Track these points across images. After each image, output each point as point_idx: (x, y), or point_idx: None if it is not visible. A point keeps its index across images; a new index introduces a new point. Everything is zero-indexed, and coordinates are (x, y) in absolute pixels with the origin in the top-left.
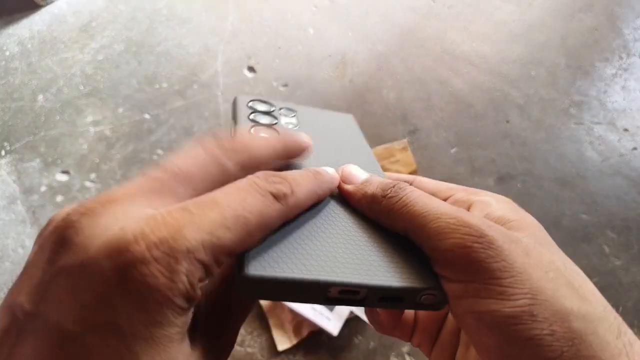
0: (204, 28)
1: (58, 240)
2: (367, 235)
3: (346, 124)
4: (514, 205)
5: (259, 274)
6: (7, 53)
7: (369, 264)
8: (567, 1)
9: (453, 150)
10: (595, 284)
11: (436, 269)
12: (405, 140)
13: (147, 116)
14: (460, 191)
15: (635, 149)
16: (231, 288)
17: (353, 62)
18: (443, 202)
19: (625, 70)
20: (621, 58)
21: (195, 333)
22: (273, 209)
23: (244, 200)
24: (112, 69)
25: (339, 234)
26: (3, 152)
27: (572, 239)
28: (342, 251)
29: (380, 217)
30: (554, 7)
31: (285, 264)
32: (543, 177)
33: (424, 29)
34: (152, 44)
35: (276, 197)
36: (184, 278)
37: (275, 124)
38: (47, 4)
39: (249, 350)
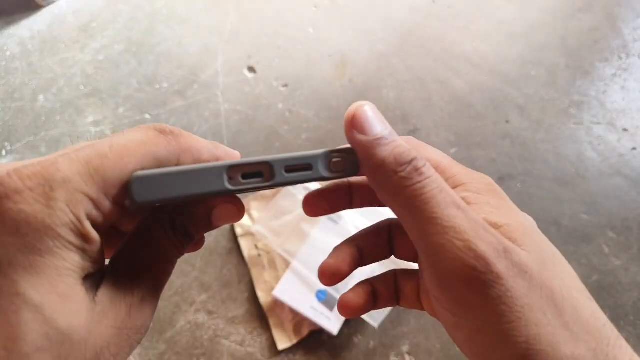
0: (204, 28)
1: None
2: None
3: None
4: (499, 198)
5: (149, 173)
6: (8, 53)
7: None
8: (567, 1)
9: (453, 150)
10: (595, 283)
11: (427, 282)
12: None
13: (147, 116)
14: (442, 169)
15: (634, 149)
16: (138, 242)
17: (353, 62)
18: (459, 206)
19: (625, 70)
20: (621, 58)
21: (100, 289)
22: (157, 140)
23: (122, 134)
24: (112, 69)
25: None
26: (4, 152)
27: (572, 238)
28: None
29: (381, 189)
30: (554, 7)
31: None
32: (543, 177)
33: (424, 29)
34: (152, 43)
35: (161, 131)
36: (64, 207)
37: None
38: (48, 4)
39: (249, 350)
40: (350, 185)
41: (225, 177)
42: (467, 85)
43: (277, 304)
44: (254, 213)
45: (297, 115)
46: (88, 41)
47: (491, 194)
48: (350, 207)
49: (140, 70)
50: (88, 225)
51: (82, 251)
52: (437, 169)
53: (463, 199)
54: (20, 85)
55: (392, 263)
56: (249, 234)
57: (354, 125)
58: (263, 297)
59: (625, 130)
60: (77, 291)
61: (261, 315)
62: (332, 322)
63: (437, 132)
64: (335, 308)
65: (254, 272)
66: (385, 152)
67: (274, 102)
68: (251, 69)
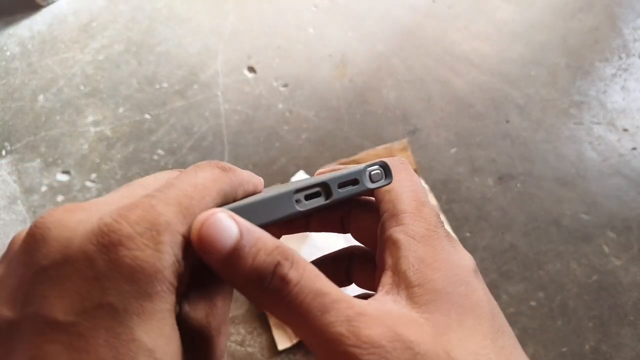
0: (204, 28)
1: (31, 243)
2: None
3: None
4: (431, 246)
5: (236, 207)
6: (8, 53)
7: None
8: (567, 1)
9: (453, 150)
10: (595, 283)
11: None
12: (405, 140)
13: (147, 116)
14: (395, 203)
15: (634, 149)
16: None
17: (353, 62)
18: (330, 307)
19: (625, 70)
20: (621, 58)
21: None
22: (224, 178)
23: (196, 174)
24: (112, 69)
25: None
26: (3, 152)
27: (572, 238)
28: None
29: (256, 303)
30: (554, 7)
31: (251, 201)
32: (543, 177)
33: (424, 29)
34: (152, 44)
35: (223, 169)
36: (169, 249)
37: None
38: (48, 4)
39: (249, 349)
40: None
41: (294, 201)
42: (467, 85)
43: None
44: None
45: (297, 115)
46: (88, 41)
47: (424, 240)
48: (308, 230)
49: (140, 70)
50: (183, 263)
51: (177, 291)
52: (392, 202)
53: (395, 242)
54: (20, 85)
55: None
56: None
57: (201, 247)
58: None
59: (625, 130)
60: (176, 332)
61: (261, 315)
62: None
63: (437, 132)
64: None
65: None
66: (244, 269)
67: (274, 102)
68: (251, 69)
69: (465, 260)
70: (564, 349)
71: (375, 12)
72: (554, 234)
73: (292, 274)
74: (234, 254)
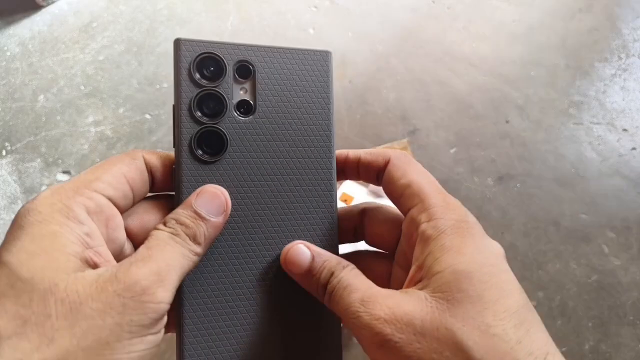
0: (205, 28)
1: None
2: (286, 325)
3: (317, 79)
4: (460, 237)
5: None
6: (8, 53)
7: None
8: (566, 2)
9: (453, 150)
10: (595, 282)
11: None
12: (405, 140)
13: (147, 116)
14: (421, 198)
15: (634, 149)
16: None
17: (353, 63)
18: (362, 300)
19: (625, 70)
20: (620, 58)
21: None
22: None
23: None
24: (112, 69)
25: (265, 324)
26: (4, 152)
27: (571, 238)
28: (262, 349)
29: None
30: (553, 8)
31: None
32: (542, 177)
33: (423, 30)
34: (152, 44)
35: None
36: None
37: (222, 116)
38: (48, 4)
39: None
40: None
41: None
42: (466, 85)
43: None
44: None
45: None
46: (88, 41)
47: (454, 233)
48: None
49: (140, 70)
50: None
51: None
52: (418, 197)
53: (427, 237)
54: (21, 86)
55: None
56: None
57: (286, 266)
58: None
59: (625, 130)
60: (57, 255)
61: None
62: None
63: (437, 133)
64: None
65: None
66: (315, 281)
67: None
68: None
69: (494, 246)
70: (564, 349)
71: (375, 13)
72: (554, 233)
73: (334, 281)
74: (308, 272)
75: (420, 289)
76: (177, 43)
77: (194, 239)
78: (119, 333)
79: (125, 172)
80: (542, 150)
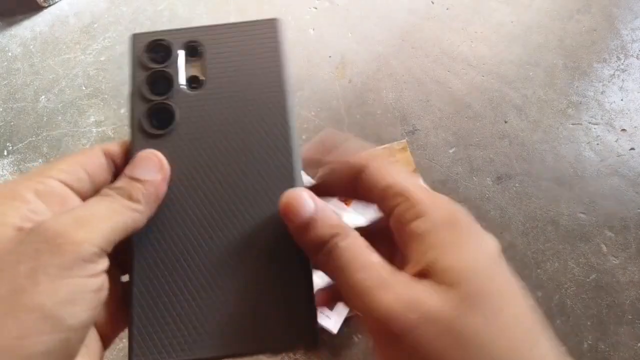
0: None
1: None
2: (247, 290)
3: (267, 49)
4: (456, 231)
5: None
6: (10, 54)
7: (242, 330)
8: (565, 2)
9: (451, 151)
10: (593, 282)
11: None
12: (404, 140)
13: None
14: (405, 197)
15: (632, 149)
16: None
17: (353, 63)
18: (371, 268)
19: (623, 71)
20: (619, 59)
21: None
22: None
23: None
24: (114, 70)
25: (224, 293)
26: (6, 152)
27: (570, 238)
28: (220, 318)
29: (312, 256)
30: (552, 9)
31: (162, 347)
32: (541, 177)
33: (422, 31)
34: None
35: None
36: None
37: (170, 92)
38: (49, 5)
39: None
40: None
41: None
42: (465, 86)
43: None
44: None
45: (298, 115)
46: (90, 42)
47: (448, 227)
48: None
49: None
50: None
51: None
52: (402, 195)
53: (419, 234)
54: (22, 86)
55: None
56: None
57: (287, 210)
58: None
59: (623, 130)
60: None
61: None
62: (332, 321)
63: (436, 133)
64: (336, 307)
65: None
66: (312, 234)
67: None
68: None
69: (489, 243)
70: (562, 348)
71: (374, 13)
72: (552, 233)
73: (342, 242)
74: (308, 223)
75: (429, 285)
76: (132, 37)
77: (130, 197)
78: (35, 277)
79: (80, 159)
80: (541, 150)
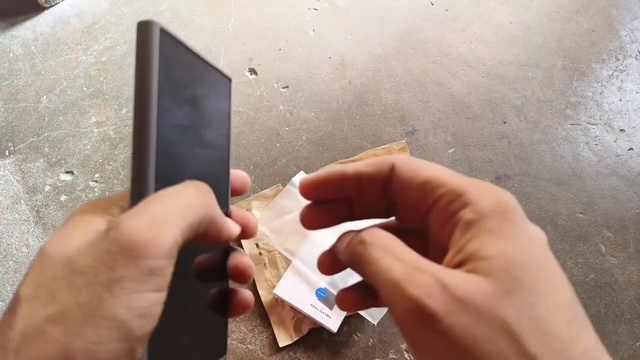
0: (206, 30)
1: None
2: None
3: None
4: (504, 220)
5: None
6: (11, 54)
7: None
8: (564, 3)
9: (451, 151)
10: (592, 281)
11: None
12: (404, 141)
13: None
14: (449, 187)
15: (631, 149)
16: None
17: (352, 64)
18: (397, 258)
19: (622, 71)
20: (617, 59)
21: None
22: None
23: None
24: (115, 71)
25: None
26: (7, 153)
27: (568, 237)
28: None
29: (349, 265)
30: (550, 10)
31: None
32: (539, 177)
33: (422, 32)
34: None
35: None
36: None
37: None
38: (51, 5)
39: (250, 347)
40: (351, 200)
41: None
42: (464, 86)
43: (278, 302)
44: (255, 212)
45: (298, 116)
46: (91, 43)
47: (496, 215)
48: (352, 219)
49: None
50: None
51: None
52: (443, 187)
53: (468, 221)
54: (24, 86)
55: None
56: None
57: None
58: (264, 296)
59: (622, 130)
60: (78, 232)
61: (262, 313)
62: (332, 320)
63: (435, 133)
64: (335, 306)
65: (255, 271)
66: (346, 253)
67: (275, 103)
68: (252, 71)
69: (537, 232)
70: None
71: (374, 15)
72: (551, 233)
73: (369, 238)
74: (339, 246)
75: (467, 272)
76: None
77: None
78: (112, 290)
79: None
80: (540, 151)
